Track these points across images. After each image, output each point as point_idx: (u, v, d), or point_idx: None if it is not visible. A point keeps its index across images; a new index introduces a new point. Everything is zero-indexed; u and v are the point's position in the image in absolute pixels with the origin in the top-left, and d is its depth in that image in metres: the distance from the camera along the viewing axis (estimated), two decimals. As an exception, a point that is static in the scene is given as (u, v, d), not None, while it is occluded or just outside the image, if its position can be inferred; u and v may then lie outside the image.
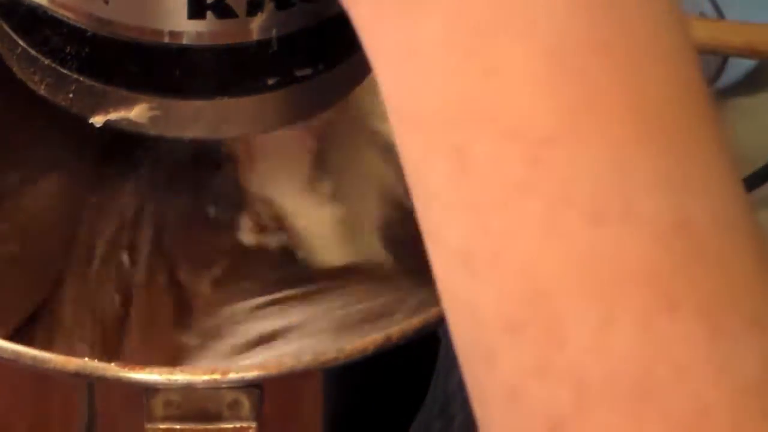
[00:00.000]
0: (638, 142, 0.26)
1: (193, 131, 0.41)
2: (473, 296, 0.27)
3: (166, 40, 0.39)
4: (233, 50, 0.39)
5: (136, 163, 0.52)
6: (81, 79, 0.40)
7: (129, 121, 0.40)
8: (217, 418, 0.44)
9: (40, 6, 0.40)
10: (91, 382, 0.51)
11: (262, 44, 0.39)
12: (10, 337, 0.45)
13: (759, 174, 0.63)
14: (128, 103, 0.40)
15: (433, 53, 0.27)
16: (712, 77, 0.69)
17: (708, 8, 0.71)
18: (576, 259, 0.26)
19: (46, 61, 0.41)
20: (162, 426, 0.44)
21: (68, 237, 0.51)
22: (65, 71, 0.40)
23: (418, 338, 0.46)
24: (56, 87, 0.41)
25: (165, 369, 0.44)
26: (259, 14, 0.38)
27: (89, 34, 0.39)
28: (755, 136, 0.68)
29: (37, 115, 0.48)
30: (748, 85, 0.71)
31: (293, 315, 0.49)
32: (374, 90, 0.30)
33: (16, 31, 0.42)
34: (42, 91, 0.42)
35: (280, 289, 0.50)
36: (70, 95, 0.41)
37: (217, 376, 0.44)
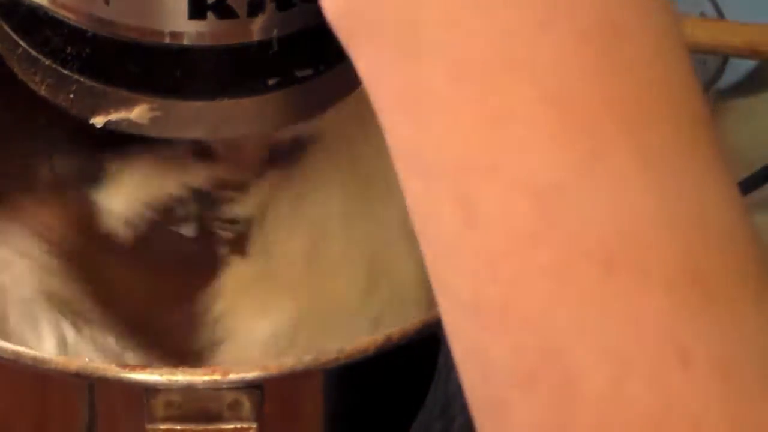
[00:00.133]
0: (647, 190, 0.26)
1: (194, 132, 0.41)
2: (483, 347, 0.26)
3: (167, 40, 0.39)
4: (234, 51, 0.39)
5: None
6: (82, 79, 0.40)
7: (129, 121, 0.40)
8: (218, 418, 0.44)
9: (40, 6, 0.39)
10: (91, 383, 0.51)
11: (263, 45, 0.39)
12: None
13: (759, 175, 0.63)
14: (129, 104, 0.40)
15: (436, 100, 0.26)
16: (712, 77, 0.69)
17: (708, 8, 0.71)
18: (588, 312, 0.25)
19: (47, 62, 0.41)
20: (163, 426, 0.44)
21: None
22: (66, 72, 0.40)
23: (418, 339, 0.46)
24: (57, 87, 0.41)
25: (166, 369, 0.44)
26: (260, 15, 0.38)
27: (90, 34, 0.39)
28: (755, 136, 0.68)
29: (37, 115, 0.48)
30: (748, 85, 0.71)
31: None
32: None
33: (16, 31, 0.42)
34: (43, 91, 0.41)
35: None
36: (71, 96, 0.41)
37: (217, 377, 0.44)
